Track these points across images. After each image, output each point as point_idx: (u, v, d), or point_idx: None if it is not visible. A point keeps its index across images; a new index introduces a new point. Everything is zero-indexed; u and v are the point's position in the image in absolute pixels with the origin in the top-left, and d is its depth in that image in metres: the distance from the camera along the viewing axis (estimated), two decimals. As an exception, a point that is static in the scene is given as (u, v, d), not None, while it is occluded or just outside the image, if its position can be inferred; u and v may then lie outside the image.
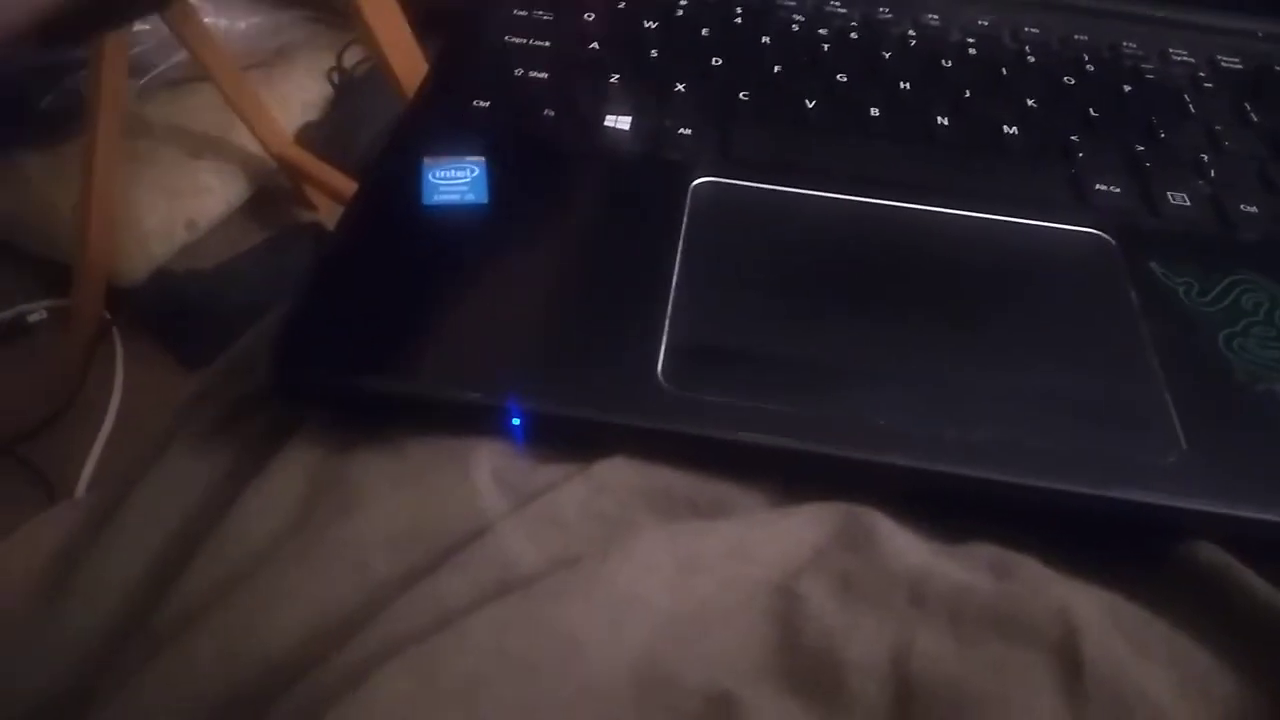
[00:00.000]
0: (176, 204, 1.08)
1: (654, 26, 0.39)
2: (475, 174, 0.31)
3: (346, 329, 0.26)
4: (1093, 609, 0.21)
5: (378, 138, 1.07)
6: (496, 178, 0.31)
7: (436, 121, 0.33)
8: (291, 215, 1.15)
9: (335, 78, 1.20)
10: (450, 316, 0.26)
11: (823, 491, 0.24)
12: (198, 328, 1.00)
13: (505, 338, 0.26)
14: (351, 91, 1.18)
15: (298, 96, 1.17)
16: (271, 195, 1.16)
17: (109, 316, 1.07)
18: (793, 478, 0.25)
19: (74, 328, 1.03)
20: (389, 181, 0.31)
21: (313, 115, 1.18)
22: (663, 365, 0.25)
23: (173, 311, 1.04)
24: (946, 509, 0.25)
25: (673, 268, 0.28)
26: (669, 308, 0.27)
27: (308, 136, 1.14)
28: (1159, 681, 0.20)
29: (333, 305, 0.27)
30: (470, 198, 0.30)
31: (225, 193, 1.12)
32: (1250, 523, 0.23)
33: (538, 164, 0.32)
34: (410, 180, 0.30)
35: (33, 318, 1.08)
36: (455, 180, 0.31)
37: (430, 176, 0.31)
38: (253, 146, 1.10)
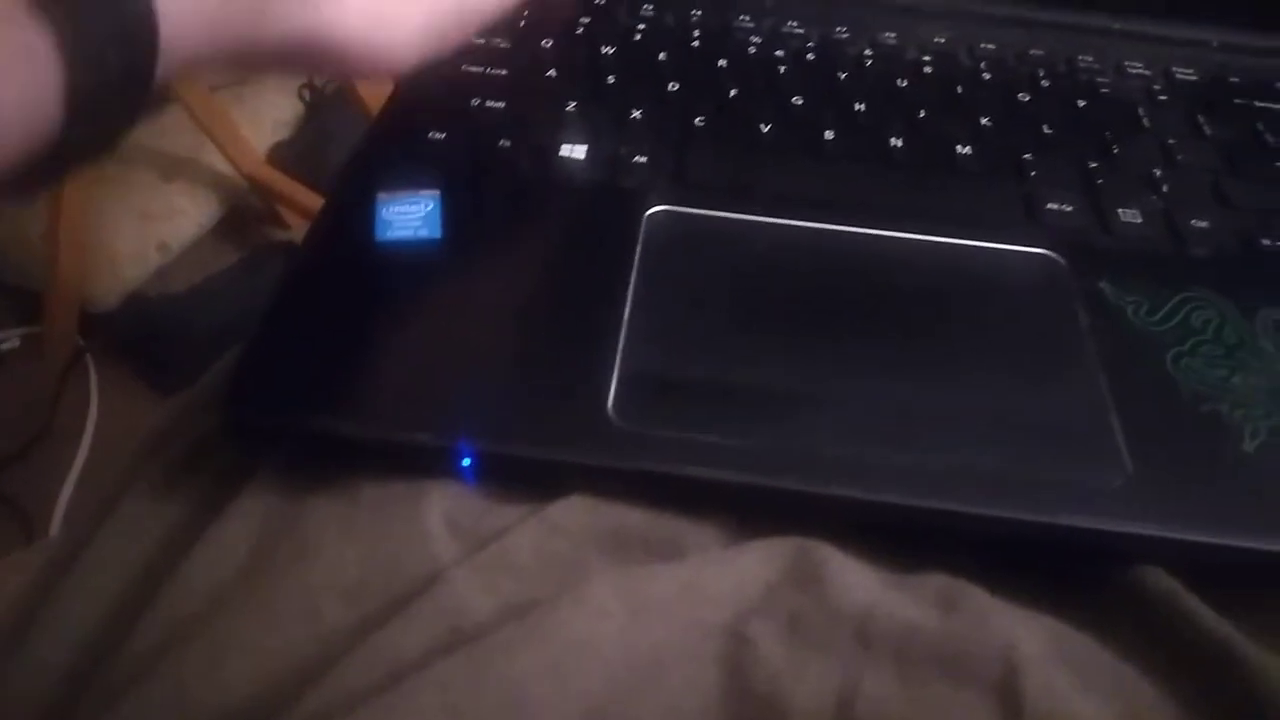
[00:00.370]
0: (148, 227, 1.08)
1: (611, 52, 0.39)
2: (429, 208, 0.31)
3: (298, 373, 0.26)
4: (1036, 643, 0.21)
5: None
6: (451, 211, 0.31)
7: (392, 155, 0.33)
8: (264, 235, 1.15)
9: (306, 94, 1.20)
10: (402, 356, 0.26)
11: (776, 524, 0.24)
12: (171, 352, 1.00)
13: (457, 376, 0.26)
14: (323, 108, 1.18)
15: (269, 115, 1.16)
16: (244, 215, 1.15)
17: (82, 343, 1.06)
18: (746, 511, 0.25)
19: (47, 355, 1.02)
20: (343, 219, 0.31)
21: (284, 134, 1.18)
22: (614, 400, 0.25)
23: (146, 336, 1.04)
24: (898, 536, 0.25)
25: (625, 300, 0.28)
26: (621, 341, 0.27)
27: (279, 155, 1.14)
28: (1100, 716, 0.20)
29: (284, 348, 0.27)
30: (424, 233, 0.30)
31: (197, 214, 1.11)
32: (1195, 546, 0.24)
33: (493, 196, 0.32)
34: (364, 217, 0.30)
35: (4, 346, 1.07)
36: (409, 215, 0.31)
37: (384, 212, 0.30)
38: (224, 167, 1.10)
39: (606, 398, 0.25)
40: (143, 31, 0.18)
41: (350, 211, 0.31)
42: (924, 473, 0.24)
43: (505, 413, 0.25)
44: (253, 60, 0.22)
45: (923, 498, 0.24)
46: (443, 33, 0.26)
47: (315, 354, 0.26)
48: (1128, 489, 0.25)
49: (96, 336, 1.07)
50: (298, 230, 1.14)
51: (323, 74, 0.27)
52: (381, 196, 0.31)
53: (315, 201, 1.02)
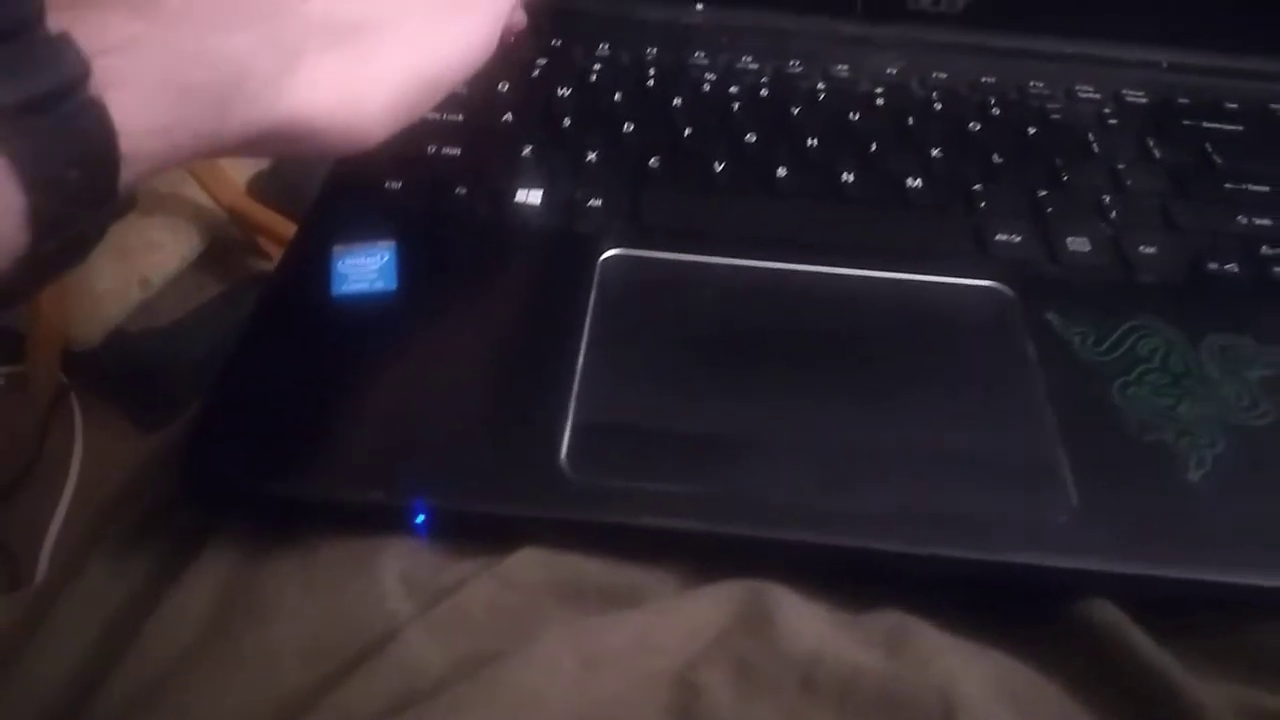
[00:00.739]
0: (128, 263, 1.08)
1: (567, 94, 0.39)
2: (385, 260, 0.31)
3: (253, 434, 0.26)
4: (979, 682, 0.21)
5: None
6: (407, 262, 0.31)
7: (348, 206, 0.34)
8: (245, 266, 1.15)
9: (285, 125, 1.20)
10: (357, 413, 0.27)
11: (731, 568, 0.25)
12: (155, 388, 1.00)
13: (411, 432, 0.26)
14: (302, 139, 1.18)
15: (247, 147, 1.16)
16: (225, 247, 1.15)
17: (66, 381, 1.06)
18: (700, 557, 0.25)
19: (31, 394, 1.02)
20: (299, 273, 0.31)
21: (263, 164, 1.18)
22: (567, 451, 0.26)
23: (130, 372, 1.04)
24: (851, 576, 0.25)
25: (579, 348, 0.28)
26: (574, 390, 0.27)
27: (259, 186, 1.14)
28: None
29: (239, 409, 0.27)
30: (380, 285, 0.30)
31: (177, 248, 1.11)
32: (1138, 579, 0.24)
33: (448, 245, 0.33)
34: (320, 271, 0.31)
35: (-12, 386, 1.07)
36: (365, 268, 0.31)
37: (339, 266, 0.31)
38: (203, 199, 1.10)
39: (559, 448, 0.26)
40: (102, 150, 0.18)
41: (306, 266, 0.31)
42: (872, 514, 0.25)
43: (459, 468, 0.25)
44: (221, 152, 0.22)
45: (870, 540, 0.24)
46: (412, 104, 0.26)
47: (270, 414, 0.27)
48: (1074, 523, 0.25)
49: (80, 374, 1.07)
50: (279, 261, 1.14)
51: (292, 155, 0.27)
52: (337, 250, 0.31)
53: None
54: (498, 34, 0.29)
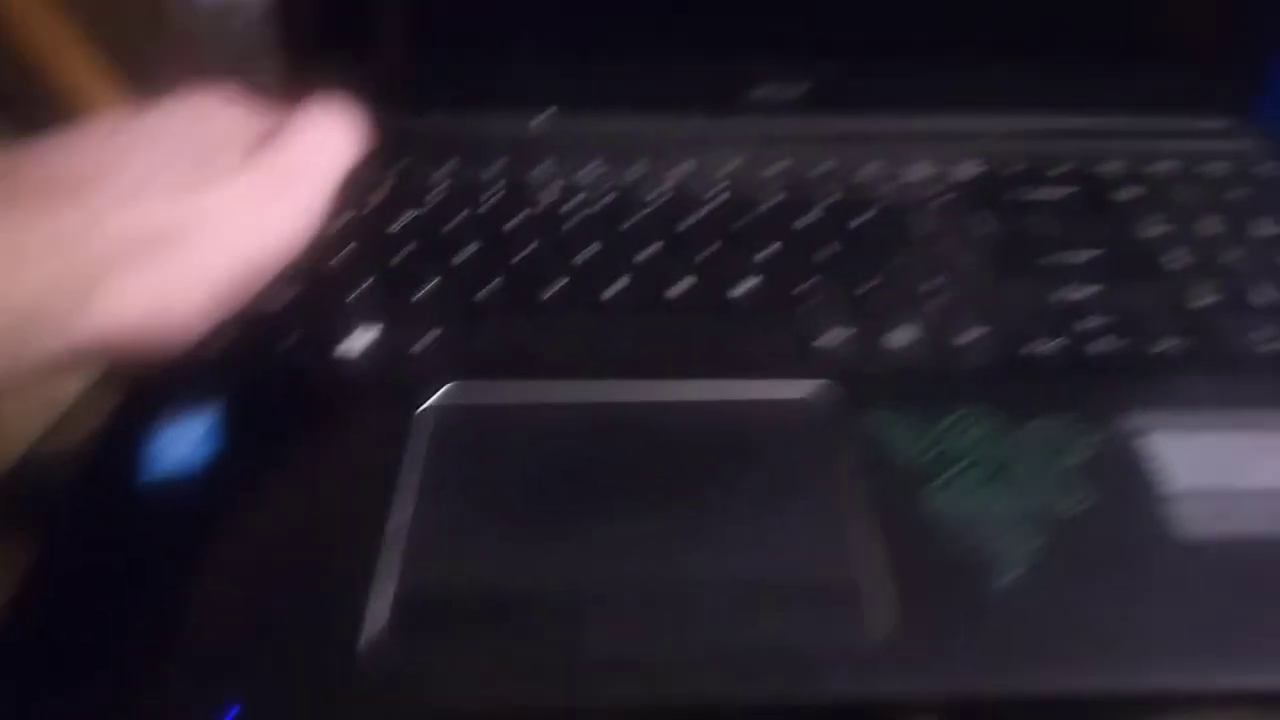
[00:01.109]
0: (33, 385, 1.05)
1: (404, 224, 0.39)
2: (201, 432, 0.30)
3: (42, 649, 0.25)
4: None
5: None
6: (226, 432, 0.30)
7: (167, 372, 0.33)
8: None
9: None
10: (158, 612, 0.26)
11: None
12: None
13: (215, 628, 0.25)
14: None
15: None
16: (132, 360, 1.13)
17: (-27, 515, 1.02)
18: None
19: (-64, 533, 0.99)
20: (108, 455, 0.30)
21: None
22: (371, 634, 0.25)
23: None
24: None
25: (388, 516, 0.28)
26: (380, 564, 0.26)
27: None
28: None
29: (32, 624, 0.26)
30: (195, 461, 0.30)
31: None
32: (958, 699, 0.24)
33: (272, 406, 0.32)
34: (130, 451, 0.30)
35: (-109, 529, 1.03)
36: (178, 444, 0.30)
37: (152, 443, 0.30)
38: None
39: (363, 632, 0.25)
40: None
41: (115, 448, 0.30)
42: (691, 662, 0.24)
43: (262, 664, 0.24)
44: (23, 380, 0.22)
45: (689, 692, 0.24)
46: (230, 296, 0.25)
47: (63, 625, 0.26)
48: (892, 645, 0.25)
49: (-10, 505, 1.03)
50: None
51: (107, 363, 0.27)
52: (151, 426, 0.30)
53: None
54: (322, 202, 0.28)
